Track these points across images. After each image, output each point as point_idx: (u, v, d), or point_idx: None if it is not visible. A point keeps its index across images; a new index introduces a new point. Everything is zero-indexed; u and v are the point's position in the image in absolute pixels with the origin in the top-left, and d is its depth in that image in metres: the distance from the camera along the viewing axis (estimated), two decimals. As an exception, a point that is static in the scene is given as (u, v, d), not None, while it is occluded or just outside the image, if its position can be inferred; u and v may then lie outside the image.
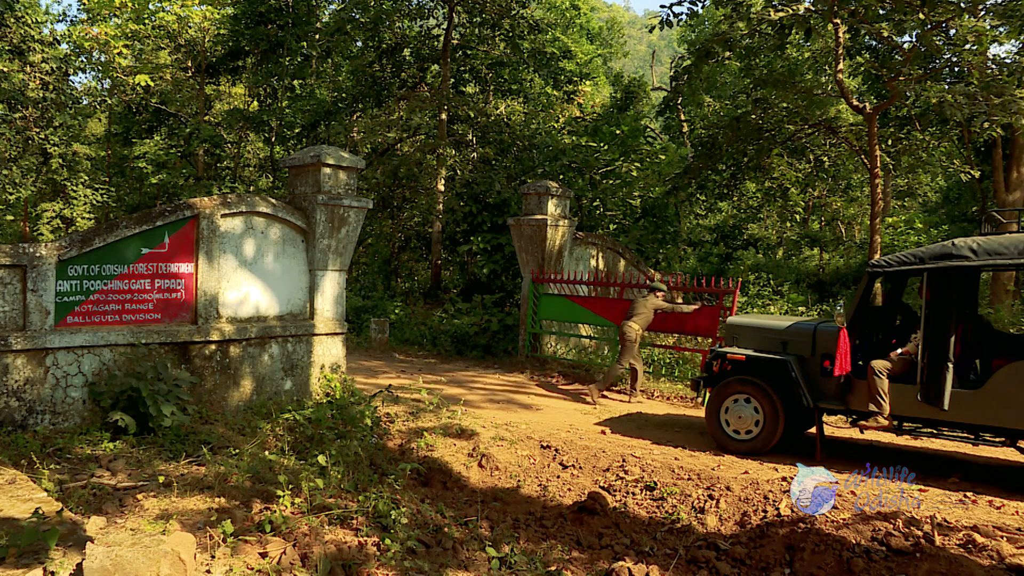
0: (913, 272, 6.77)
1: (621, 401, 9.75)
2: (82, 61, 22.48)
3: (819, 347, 6.99)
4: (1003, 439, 6.41)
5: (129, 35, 21.25)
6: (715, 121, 17.46)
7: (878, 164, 11.71)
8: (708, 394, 7.65)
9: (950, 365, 6.33)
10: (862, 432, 7.50)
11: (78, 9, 37.30)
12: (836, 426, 8.28)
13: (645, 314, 9.57)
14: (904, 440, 7.59)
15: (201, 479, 5.08)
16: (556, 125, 22.25)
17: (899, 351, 6.79)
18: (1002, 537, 4.81)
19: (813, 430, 7.40)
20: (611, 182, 18.64)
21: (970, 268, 6.47)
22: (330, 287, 8.20)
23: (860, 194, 20.47)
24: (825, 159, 16.61)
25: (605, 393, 10.06)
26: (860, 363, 6.91)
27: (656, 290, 9.78)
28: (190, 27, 21.45)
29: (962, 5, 9.86)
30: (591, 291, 11.83)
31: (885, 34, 10.95)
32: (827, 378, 6.87)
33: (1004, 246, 6.25)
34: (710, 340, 10.01)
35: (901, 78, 11.12)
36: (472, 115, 18.64)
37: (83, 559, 3.13)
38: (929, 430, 6.71)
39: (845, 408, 6.89)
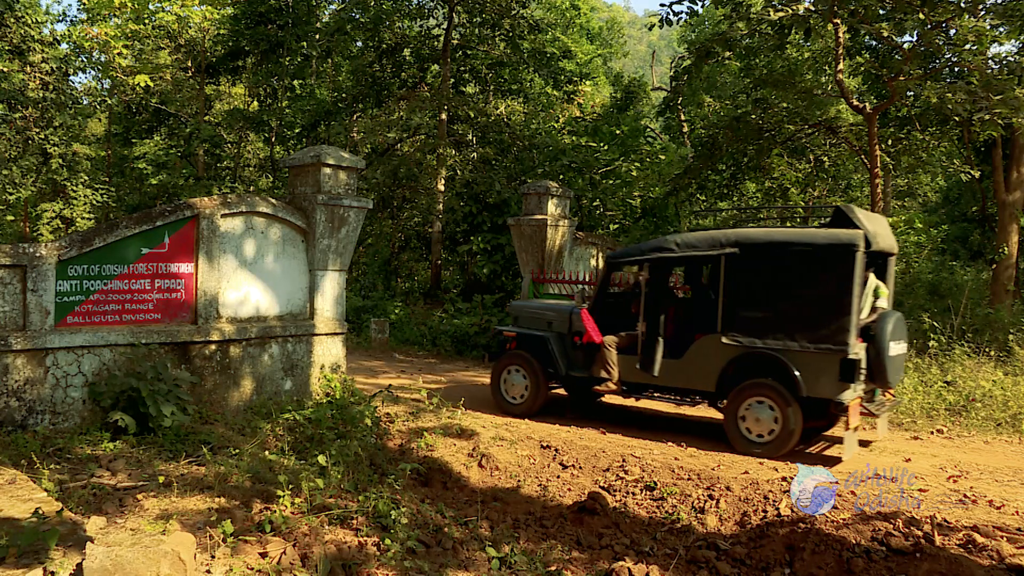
0: (636, 262, 8.17)
1: (619, 399, 9.76)
2: (82, 61, 22.46)
3: (573, 326, 8.32)
4: (699, 400, 7.77)
5: (129, 35, 21.24)
6: (715, 121, 17.44)
7: (878, 164, 11.70)
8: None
9: (660, 339, 7.73)
10: (637, 400, 8.52)
11: (78, 9, 37.26)
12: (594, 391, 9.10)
13: None
14: (661, 405, 9.00)
15: (201, 479, 5.08)
16: (556, 125, 22.22)
17: (632, 310, 8.12)
18: (1002, 537, 4.81)
19: (609, 397, 8.82)
20: (611, 182, 18.63)
21: (674, 259, 7.89)
22: (330, 287, 8.21)
23: (860, 194, 20.43)
24: (825, 159, 16.59)
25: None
26: None
27: None
28: (190, 27, 21.45)
29: (962, 5, 9.86)
30: (591, 291, 11.84)
31: (885, 34, 10.94)
32: (577, 351, 8.26)
33: (699, 240, 7.63)
34: None
35: (901, 78, 11.11)
36: (472, 115, 18.62)
37: (83, 559, 3.13)
38: (649, 393, 8.06)
39: (590, 376, 8.21)
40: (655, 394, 8.01)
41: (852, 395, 6.75)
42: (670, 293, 8.18)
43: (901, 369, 7.56)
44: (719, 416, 7.69)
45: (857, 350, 6.80)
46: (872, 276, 7.62)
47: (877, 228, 7.28)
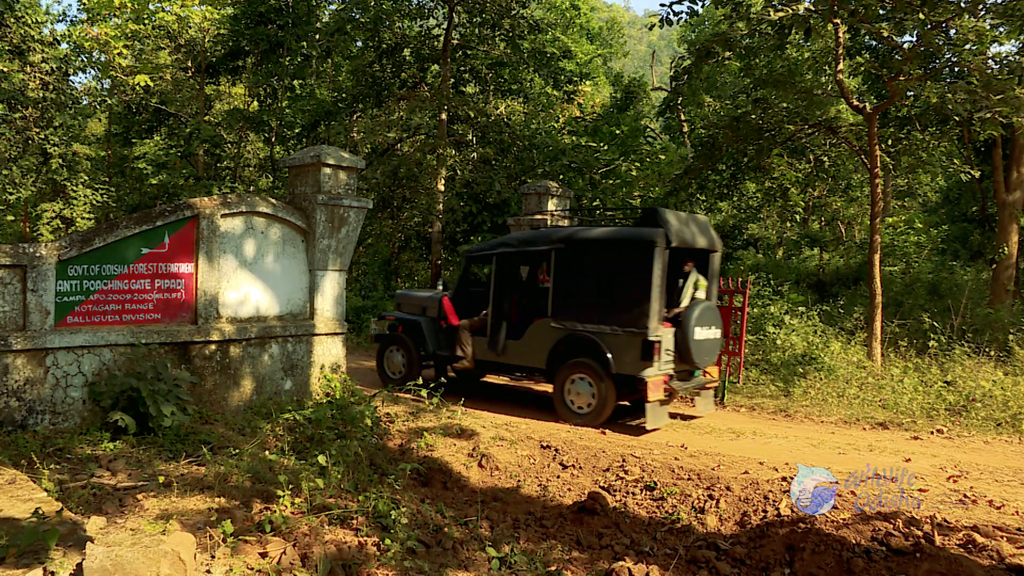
0: (486, 256, 9.35)
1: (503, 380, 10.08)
2: (82, 61, 22.42)
3: (442, 312, 9.62)
4: (535, 376, 8.90)
5: (129, 35, 21.21)
6: (715, 121, 17.41)
7: (878, 164, 11.68)
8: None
9: (504, 323, 8.89)
10: (477, 376, 9.77)
11: (78, 9, 37.23)
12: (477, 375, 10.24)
13: None
14: (514, 382, 10.29)
15: (201, 479, 5.08)
16: (556, 125, 22.21)
17: (483, 312, 9.26)
18: (1002, 537, 4.81)
19: (491, 377, 10.04)
20: (611, 182, 18.61)
21: (512, 254, 9.16)
22: (330, 287, 8.20)
23: (860, 194, 20.41)
24: (825, 159, 16.56)
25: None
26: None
27: None
28: (190, 27, 21.41)
29: (962, 5, 9.85)
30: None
31: (885, 34, 10.93)
32: (443, 333, 9.57)
33: (535, 237, 8.92)
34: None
35: (901, 78, 11.10)
36: (472, 115, 18.59)
37: (83, 559, 3.13)
38: (498, 372, 9.23)
39: (452, 354, 9.38)
40: (504, 372, 9.16)
41: (653, 372, 7.72)
42: (514, 282, 9.36)
43: (710, 352, 8.48)
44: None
45: (659, 333, 7.80)
46: (694, 270, 8.66)
47: (686, 227, 8.24)
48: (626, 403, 8.47)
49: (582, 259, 8.30)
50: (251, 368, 7.51)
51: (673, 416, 8.90)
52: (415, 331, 9.76)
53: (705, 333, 8.23)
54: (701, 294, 8.59)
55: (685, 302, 8.45)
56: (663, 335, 7.88)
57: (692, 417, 8.97)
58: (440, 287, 9.85)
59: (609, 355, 7.91)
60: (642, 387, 7.70)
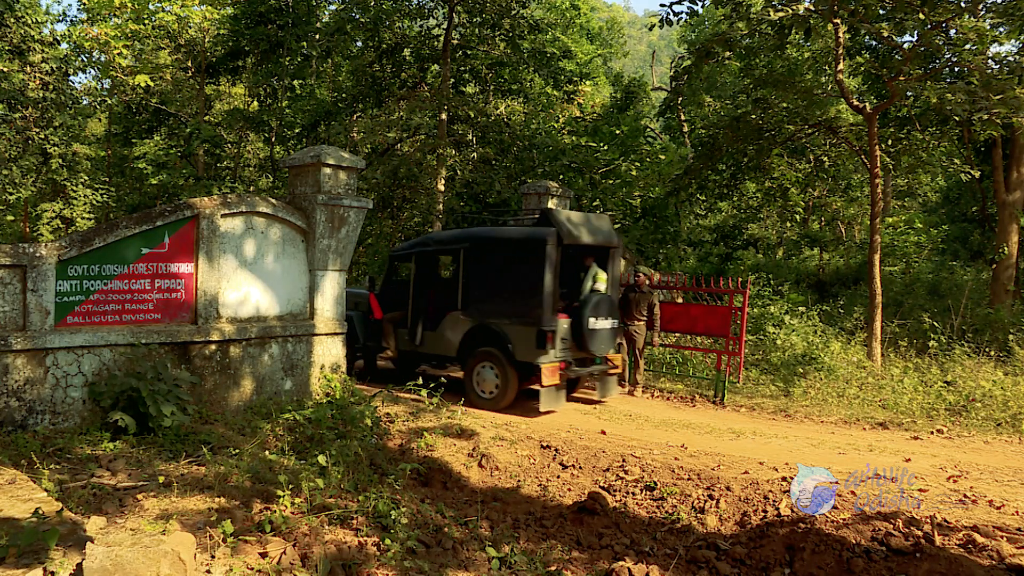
0: (406, 255, 10.05)
1: (622, 400, 9.75)
2: (82, 61, 22.39)
3: (370, 307, 10.31)
4: (448, 363, 9.74)
5: (129, 35, 21.20)
6: (715, 121, 17.41)
7: (878, 164, 11.69)
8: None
9: (421, 316, 9.55)
10: (422, 370, 10.32)
11: (78, 9, 37.20)
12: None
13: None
14: (447, 372, 10.63)
15: (201, 479, 5.08)
16: (556, 125, 22.20)
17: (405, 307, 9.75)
18: (1002, 537, 4.81)
19: (438, 369, 10.62)
20: (611, 182, 18.61)
21: (430, 252, 9.85)
22: (330, 287, 8.20)
23: (860, 194, 20.40)
24: (825, 159, 16.56)
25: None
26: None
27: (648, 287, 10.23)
28: (190, 27, 21.41)
29: (962, 5, 9.85)
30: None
31: (885, 34, 10.94)
32: (372, 326, 10.25)
33: (446, 237, 9.81)
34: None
35: (901, 78, 11.10)
36: (472, 115, 18.58)
37: (83, 559, 3.13)
38: (424, 361, 10.00)
39: (379, 345, 10.24)
40: (424, 361, 9.94)
41: (548, 360, 8.41)
42: (431, 278, 9.99)
43: (606, 341, 9.05)
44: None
45: (553, 324, 8.42)
46: (594, 265, 9.25)
47: (580, 227, 8.92)
48: (537, 387, 8.79)
49: (486, 257, 9.02)
50: (251, 368, 7.51)
51: (576, 400, 9.55)
52: (349, 325, 10.29)
53: (600, 323, 8.86)
54: (601, 287, 9.14)
55: (584, 295, 9.01)
56: (557, 325, 8.50)
57: (596, 402, 9.55)
58: (369, 284, 10.63)
59: (510, 344, 8.59)
60: (538, 373, 8.36)
